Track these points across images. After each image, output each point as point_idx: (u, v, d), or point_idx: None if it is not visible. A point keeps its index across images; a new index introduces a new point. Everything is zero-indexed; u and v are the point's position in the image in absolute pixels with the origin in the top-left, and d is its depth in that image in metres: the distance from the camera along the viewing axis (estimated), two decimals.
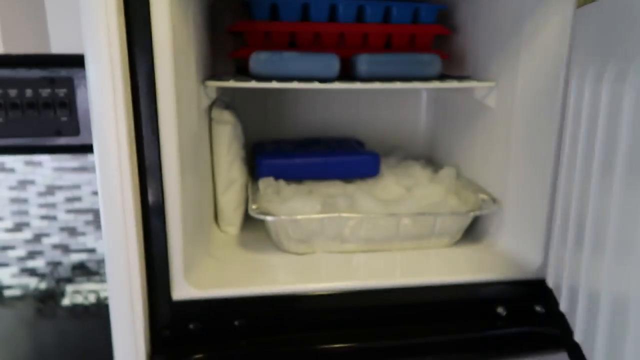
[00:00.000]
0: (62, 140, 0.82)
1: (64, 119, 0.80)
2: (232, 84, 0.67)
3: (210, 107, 0.75)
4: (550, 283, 0.56)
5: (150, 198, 0.54)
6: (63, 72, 0.79)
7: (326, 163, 0.82)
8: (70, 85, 0.80)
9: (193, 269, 0.60)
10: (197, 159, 0.64)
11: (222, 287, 0.60)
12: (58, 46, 0.81)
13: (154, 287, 0.57)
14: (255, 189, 0.77)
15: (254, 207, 0.69)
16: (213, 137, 0.76)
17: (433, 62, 0.74)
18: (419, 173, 0.85)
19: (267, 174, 0.80)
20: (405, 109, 1.01)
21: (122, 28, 0.49)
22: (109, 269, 0.53)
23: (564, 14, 0.57)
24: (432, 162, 0.96)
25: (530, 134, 0.64)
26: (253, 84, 0.67)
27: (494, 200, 0.72)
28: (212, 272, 0.63)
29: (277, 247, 0.71)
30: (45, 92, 0.78)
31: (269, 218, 0.66)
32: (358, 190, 0.75)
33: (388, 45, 0.83)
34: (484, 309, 0.63)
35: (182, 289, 0.58)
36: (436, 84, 0.71)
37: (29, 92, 0.78)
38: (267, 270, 0.66)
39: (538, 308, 0.63)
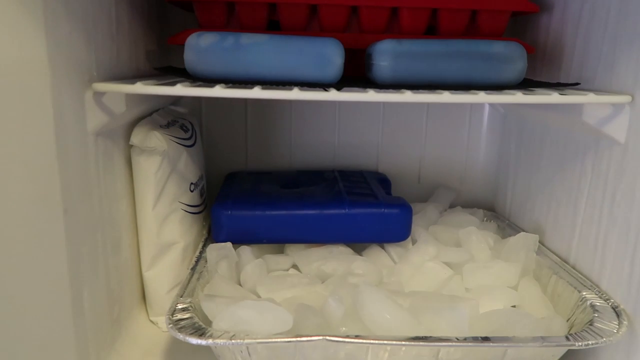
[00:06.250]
0: None
1: None
2: (137, 88, 0.36)
3: (133, 126, 0.46)
4: None
5: None
6: None
7: (321, 219, 0.50)
8: None
9: None
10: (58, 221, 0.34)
11: None
12: None
13: None
14: (203, 262, 0.47)
15: (180, 306, 0.39)
16: (134, 174, 0.46)
17: (514, 57, 0.41)
18: (474, 238, 0.52)
19: (226, 233, 0.50)
20: (455, 127, 0.68)
21: None
22: None
23: None
24: (496, 213, 0.63)
25: None
26: (177, 90, 0.37)
27: (617, 310, 0.40)
28: None
29: None
30: None
31: (192, 340, 0.36)
32: (365, 282, 0.42)
33: (431, 30, 0.50)
34: None
35: None
36: (522, 98, 0.38)
37: None
38: None
39: None
